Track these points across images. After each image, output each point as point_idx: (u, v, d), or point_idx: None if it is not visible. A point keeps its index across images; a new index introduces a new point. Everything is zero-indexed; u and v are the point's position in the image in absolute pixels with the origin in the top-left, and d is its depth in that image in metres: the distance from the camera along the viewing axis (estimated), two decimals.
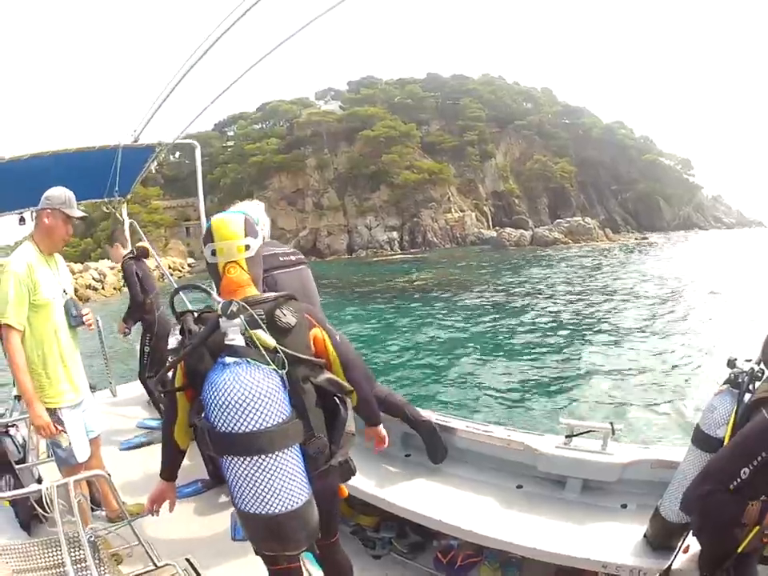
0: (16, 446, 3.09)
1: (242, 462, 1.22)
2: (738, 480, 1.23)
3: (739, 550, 1.28)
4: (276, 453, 1.24)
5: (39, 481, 2.97)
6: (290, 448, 1.27)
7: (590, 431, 2.02)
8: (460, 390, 8.68)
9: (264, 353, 1.30)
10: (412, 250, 56.74)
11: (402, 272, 34.02)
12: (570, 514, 1.90)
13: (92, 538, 2.05)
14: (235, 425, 1.22)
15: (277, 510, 1.22)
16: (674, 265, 28.97)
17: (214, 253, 1.50)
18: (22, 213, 3.28)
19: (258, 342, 1.30)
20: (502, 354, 11.07)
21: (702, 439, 1.48)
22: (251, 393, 1.23)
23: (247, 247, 1.52)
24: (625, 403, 7.34)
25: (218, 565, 2.34)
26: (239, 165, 63.05)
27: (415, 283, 27.00)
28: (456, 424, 2.36)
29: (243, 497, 1.23)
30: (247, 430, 1.22)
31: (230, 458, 1.24)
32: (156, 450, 3.63)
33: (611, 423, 1.99)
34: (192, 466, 3.43)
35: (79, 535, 1.89)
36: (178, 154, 65.23)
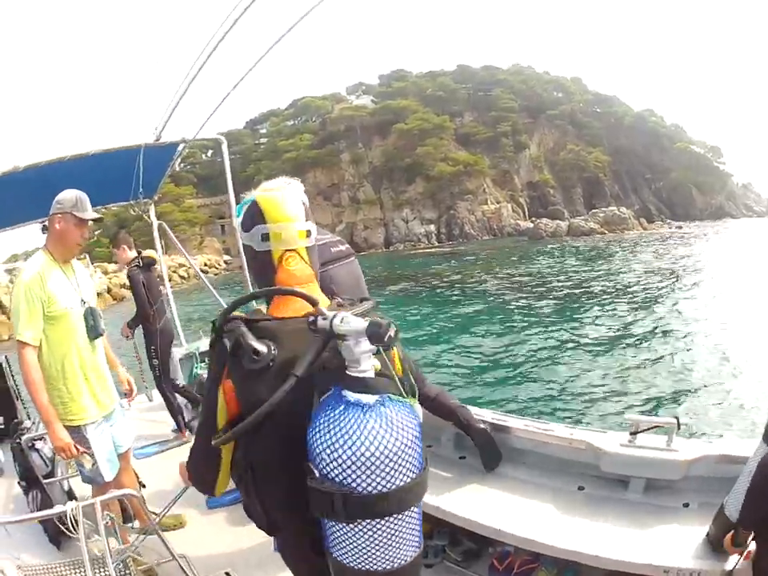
0: (44, 460, 2.97)
1: (369, 524, 0.95)
2: None
3: None
4: (410, 509, 0.99)
5: (70, 493, 2.98)
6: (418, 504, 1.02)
7: (656, 427, 1.91)
8: (513, 388, 8.38)
9: (399, 384, 1.01)
10: (449, 243, 56.80)
11: (443, 266, 33.78)
12: (632, 516, 1.80)
13: (123, 556, 1.99)
14: (383, 483, 0.93)
15: (389, 567, 0.99)
16: (726, 256, 28.51)
17: (265, 237, 1.16)
18: (44, 222, 3.01)
19: (392, 372, 1.03)
20: (556, 349, 10.77)
21: None
22: (404, 442, 0.94)
23: (309, 233, 1.21)
24: (690, 396, 7.22)
25: None
26: (272, 161, 63.57)
27: (457, 277, 26.75)
28: (513, 423, 2.20)
29: (354, 555, 0.97)
30: (394, 487, 0.94)
31: (356, 523, 0.95)
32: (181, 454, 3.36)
33: (677, 418, 1.90)
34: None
35: (105, 555, 1.82)
36: (210, 152, 66.11)
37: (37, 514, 2.28)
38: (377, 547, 0.96)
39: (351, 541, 0.96)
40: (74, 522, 1.77)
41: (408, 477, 0.95)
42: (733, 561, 1.52)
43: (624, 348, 10.41)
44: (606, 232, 53.02)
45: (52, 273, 2.35)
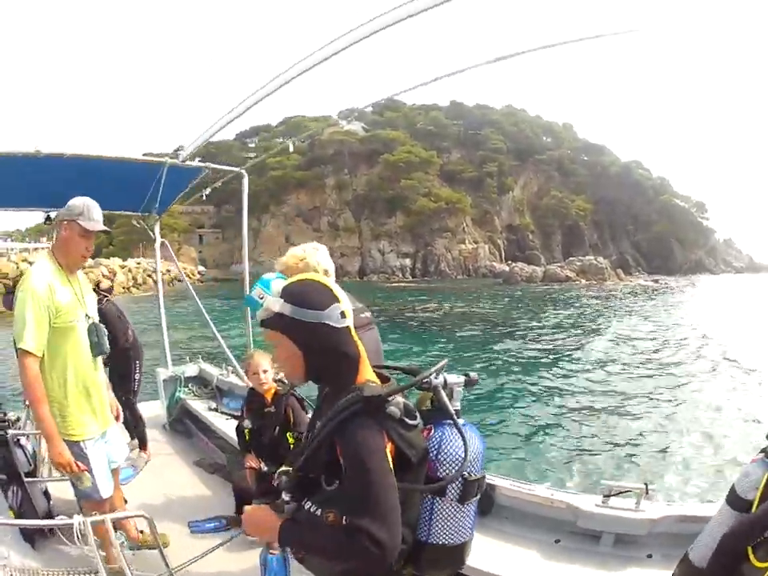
0: (27, 458, 2.90)
1: (471, 503, 1.35)
2: (761, 538, 1.44)
3: None
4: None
5: (46, 494, 2.93)
6: None
7: (627, 491, 2.19)
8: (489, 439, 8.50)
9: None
10: (424, 278, 56.90)
11: (418, 301, 33.85)
12: (603, 564, 2.10)
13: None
14: (480, 469, 1.36)
15: (465, 539, 1.37)
16: (702, 314, 28.75)
17: (343, 315, 1.27)
18: (49, 212, 3.10)
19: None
20: (532, 399, 10.93)
21: (733, 499, 1.62)
22: (481, 444, 1.38)
23: None
24: (659, 460, 7.73)
25: None
26: (258, 177, 63.48)
27: (432, 315, 26.79)
28: (499, 482, 2.47)
29: (452, 533, 1.34)
30: (483, 473, 1.37)
31: (457, 502, 1.33)
32: (165, 476, 3.63)
33: (646, 484, 2.18)
34: (212, 498, 3.47)
35: (98, 566, 1.90)
36: (197, 159, 65.71)
37: (47, 522, 2.28)
38: (468, 520, 1.34)
39: (461, 519, 1.33)
40: (79, 535, 1.84)
41: (483, 466, 1.37)
42: None
43: (597, 407, 10.63)
44: (582, 281, 53.39)
45: (59, 283, 2.26)
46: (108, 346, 2.47)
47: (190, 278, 48.08)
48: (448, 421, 1.34)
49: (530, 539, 2.29)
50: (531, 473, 7.19)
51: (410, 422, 1.23)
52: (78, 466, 2.22)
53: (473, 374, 1.44)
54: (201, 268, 58.02)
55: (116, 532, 2.47)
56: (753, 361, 14.43)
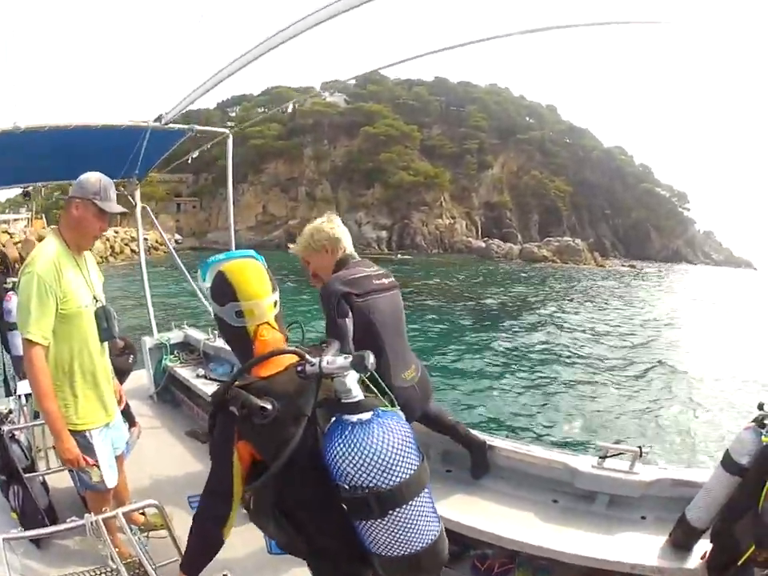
0: (23, 452, 2.81)
1: (399, 512, 1.14)
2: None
3: (739, 563, 1.60)
4: (423, 491, 1.18)
5: (45, 485, 2.84)
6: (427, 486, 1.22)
7: (621, 453, 2.25)
8: (478, 402, 8.90)
9: (384, 400, 1.24)
10: (399, 251, 56.82)
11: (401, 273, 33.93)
12: (598, 525, 2.14)
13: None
14: (399, 475, 1.13)
15: (425, 544, 1.18)
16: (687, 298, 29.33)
17: (239, 314, 1.28)
18: (27, 188, 3.11)
19: (377, 390, 1.26)
20: (527, 369, 11.37)
21: (728, 463, 1.75)
22: (404, 439, 1.16)
23: (275, 304, 1.34)
24: (655, 426, 8.17)
25: None
26: (238, 147, 62.29)
27: (410, 288, 26.50)
28: (499, 443, 2.48)
29: (395, 545, 1.16)
30: (407, 475, 1.14)
31: (388, 515, 1.15)
32: (157, 450, 3.63)
33: (639, 447, 2.23)
34: (207, 468, 3.25)
35: (111, 561, 1.84)
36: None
37: (60, 527, 2.13)
38: (409, 530, 1.15)
39: (389, 533, 1.15)
40: (91, 533, 1.79)
41: (414, 465, 1.15)
42: (693, 561, 1.84)
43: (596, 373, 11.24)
44: (558, 261, 53.59)
45: (67, 265, 2.11)
46: (117, 329, 2.34)
47: (166, 246, 47.35)
48: (344, 416, 1.16)
49: (528, 499, 2.33)
50: (527, 434, 7.47)
51: (257, 420, 1.18)
52: (86, 460, 2.15)
53: (362, 354, 1.17)
54: (177, 236, 57.37)
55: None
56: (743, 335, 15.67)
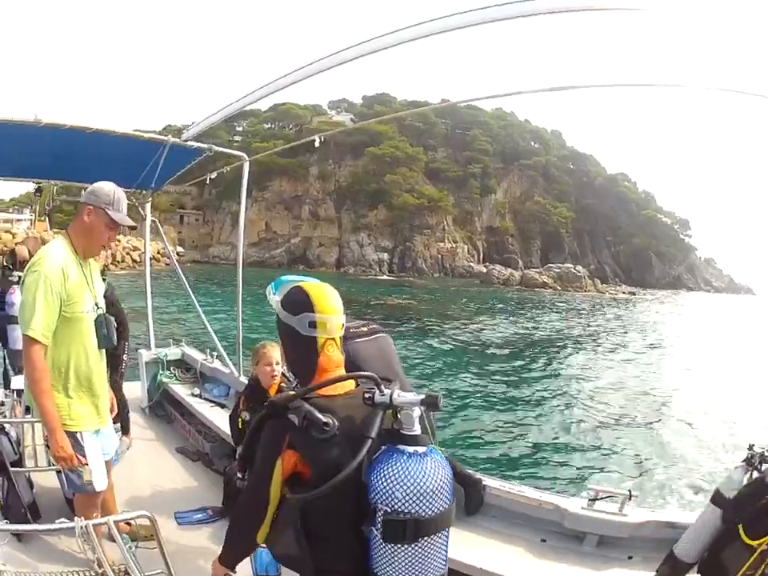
0: (12, 446, 2.83)
1: (428, 542, 1.24)
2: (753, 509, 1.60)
3: None
4: (447, 528, 1.29)
5: (30, 484, 2.85)
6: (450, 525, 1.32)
7: (611, 495, 2.31)
8: (471, 440, 8.85)
9: (432, 439, 1.34)
10: (400, 274, 56.89)
11: (395, 296, 33.49)
12: (586, 563, 2.21)
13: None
14: (438, 507, 1.24)
15: None
16: (686, 327, 29.29)
17: (312, 325, 1.35)
18: (40, 183, 3.15)
19: (428, 430, 1.34)
20: (516, 404, 11.21)
21: (718, 498, 1.79)
22: (446, 477, 1.26)
23: (343, 325, 1.42)
24: (644, 468, 8.16)
25: None
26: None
27: (411, 312, 26.52)
28: (490, 482, 2.53)
29: (397, 570, 1.25)
30: (439, 511, 1.24)
31: (419, 541, 1.24)
32: (148, 464, 3.68)
33: (629, 490, 2.31)
34: (198, 489, 3.43)
35: (99, 563, 1.87)
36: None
37: (50, 526, 2.18)
38: (426, 561, 1.24)
39: (409, 560, 1.23)
40: (81, 539, 1.79)
41: (448, 502, 1.25)
42: None
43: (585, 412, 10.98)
44: (559, 288, 53.63)
45: (73, 269, 2.15)
46: (116, 338, 2.39)
47: (168, 258, 47.31)
48: (401, 446, 1.25)
49: (517, 537, 2.37)
50: (518, 474, 7.37)
51: (315, 433, 1.23)
52: (78, 459, 2.16)
53: (436, 394, 1.25)
54: (180, 249, 57.45)
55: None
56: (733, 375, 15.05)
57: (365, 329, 2.23)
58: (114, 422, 3.84)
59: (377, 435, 1.25)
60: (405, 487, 1.21)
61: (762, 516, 1.58)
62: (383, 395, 1.26)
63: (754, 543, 1.57)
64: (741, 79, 2.04)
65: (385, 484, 1.21)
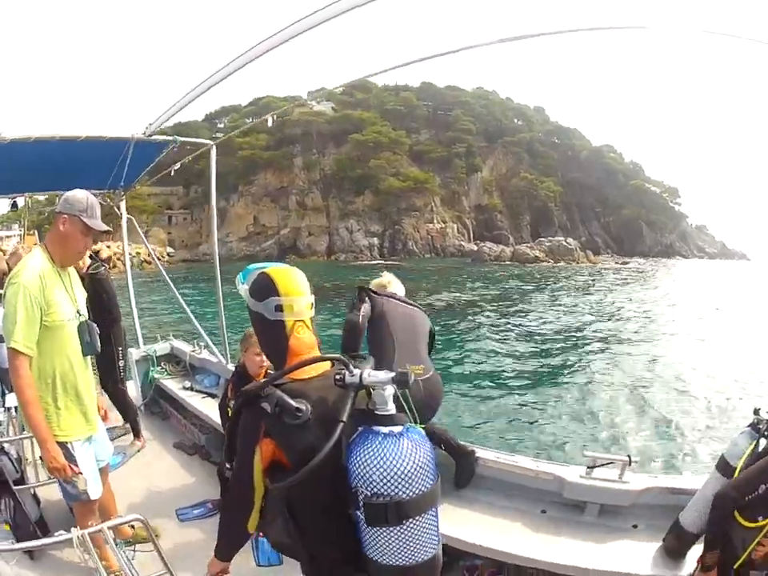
0: (13, 464, 2.82)
1: (413, 523, 1.20)
2: (755, 493, 1.57)
3: (736, 566, 1.60)
4: (434, 507, 1.25)
5: (36, 497, 2.88)
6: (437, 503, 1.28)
7: (610, 462, 2.24)
8: (467, 415, 8.78)
9: (410, 417, 1.31)
10: (391, 257, 56.81)
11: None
12: (587, 534, 2.13)
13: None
14: (419, 488, 1.20)
15: (422, 559, 1.24)
16: (679, 293, 29.14)
17: (278, 308, 1.34)
18: (15, 197, 3.13)
19: (406, 407, 1.31)
20: (520, 377, 11.19)
21: (723, 466, 1.77)
22: (427, 456, 1.22)
23: (312, 305, 1.41)
24: (644, 433, 8.05)
25: None
26: (226, 157, 62.71)
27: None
28: (483, 454, 2.49)
29: (398, 554, 1.21)
30: (420, 492, 1.20)
31: (403, 523, 1.20)
32: (147, 462, 3.73)
33: (629, 456, 2.22)
34: (197, 483, 3.44)
35: (99, 572, 1.86)
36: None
37: (46, 541, 2.17)
38: (415, 541, 1.20)
39: (397, 541, 1.20)
40: (78, 546, 1.81)
41: (431, 481, 1.22)
42: (687, 568, 1.79)
43: (578, 382, 10.86)
44: (551, 261, 53.63)
45: (52, 278, 2.16)
46: (100, 345, 2.39)
47: (159, 259, 47.13)
48: (375, 427, 1.22)
49: (516, 510, 2.31)
50: (513, 445, 7.32)
51: (288, 419, 1.22)
52: (72, 469, 2.16)
53: (406, 371, 1.22)
54: (169, 249, 57.30)
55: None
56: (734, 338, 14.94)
57: (411, 301, 2.48)
58: (125, 426, 4.01)
59: (350, 417, 1.21)
60: (381, 470, 1.17)
61: (758, 501, 1.55)
62: (353, 375, 1.23)
63: (751, 525, 1.56)
64: (702, 20, 1.99)
65: (362, 467, 1.19)
